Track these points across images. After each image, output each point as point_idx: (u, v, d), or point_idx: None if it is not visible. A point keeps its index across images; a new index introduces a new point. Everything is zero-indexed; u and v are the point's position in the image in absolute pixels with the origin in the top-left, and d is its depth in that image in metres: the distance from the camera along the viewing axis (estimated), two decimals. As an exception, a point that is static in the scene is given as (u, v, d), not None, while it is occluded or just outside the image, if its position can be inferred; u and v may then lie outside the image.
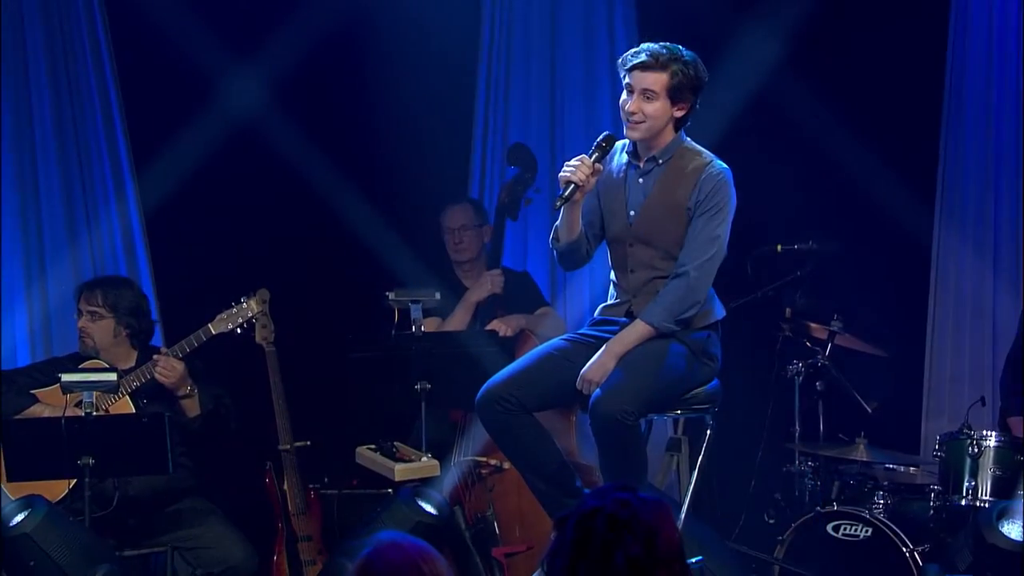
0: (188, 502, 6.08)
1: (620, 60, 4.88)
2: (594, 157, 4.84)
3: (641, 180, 4.94)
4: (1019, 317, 6.47)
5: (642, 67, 4.80)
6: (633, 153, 4.97)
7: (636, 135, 4.88)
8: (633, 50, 4.87)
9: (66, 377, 5.74)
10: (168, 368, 5.95)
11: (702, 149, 4.95)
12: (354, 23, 7.10)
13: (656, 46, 4.83)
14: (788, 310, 6.56)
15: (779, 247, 6.61)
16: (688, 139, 4.95)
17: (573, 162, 4.80)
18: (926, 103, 6.98)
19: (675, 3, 6.83)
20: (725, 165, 4.92)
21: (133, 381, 5.95)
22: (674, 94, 4.82)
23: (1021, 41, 6.83)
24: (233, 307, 6.07)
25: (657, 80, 4.80)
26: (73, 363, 6.05)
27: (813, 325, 6.47)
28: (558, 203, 4.85)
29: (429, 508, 5.70)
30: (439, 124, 7.12)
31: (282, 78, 7.02)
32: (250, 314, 6.08)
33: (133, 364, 6.07)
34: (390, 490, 6.04)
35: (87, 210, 7.06)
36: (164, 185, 7.01)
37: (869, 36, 6.97)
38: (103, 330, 6.10)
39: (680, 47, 4.85)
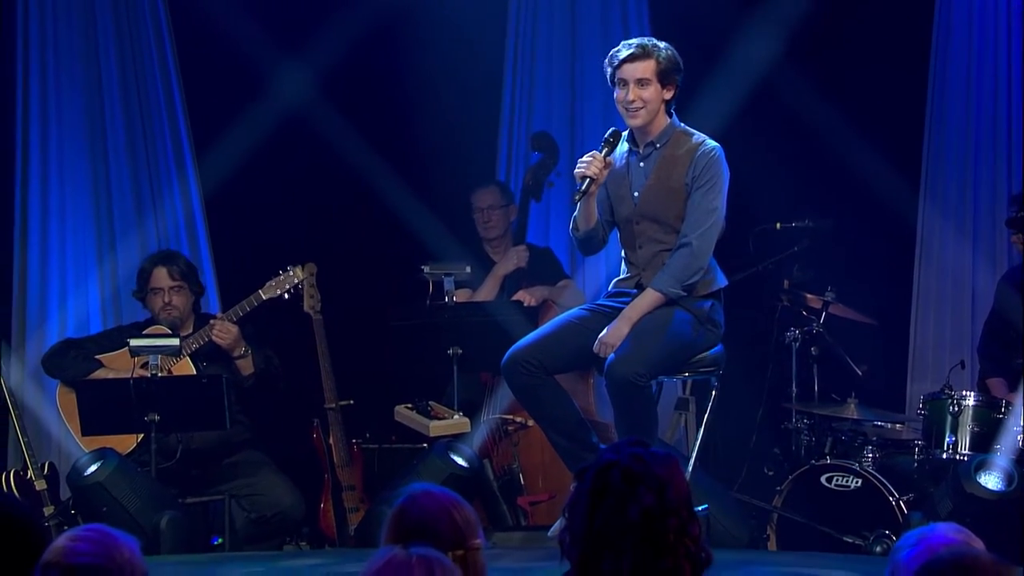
0: (244, 454, 6.08)
1: (607, 60, 4.87)
2: (604, 152, 4.83)
3: (642, 164, 4.92)
4: (995, 288, 6.43)
5: (631, 59, 4.80)
6: (632, 140, 4.95)
7: (638, 122, 4.86)
8: (615, 49, 4.87)
9: (134, 342, 5.76)
10: (224, 331, 5.94)
11: (694, 131, 4.94)
12: (393, 21, 7.07)
13: (635, 40, 4.88)
14: (786, 282, 6.52)
15: (778, 225, 6.56)
16: (681, 123, 4.94)
17: (585, 159, 4.80)
18: (912, 95, 6.93)
19: (684, 1, 6.78)
20: (716, 143, 4.90)
21: (192, 344, 5.94)
22: (663, 77, 4.81)
23: (999, 40, 6.77)
24: (280, 275, 6.06)
25: (647, 67, 4.80)
26: (136, 331, 6.04)
27: (809, 296, 6.43)
28: (576, 197, 4.84)
29: (461, 461, 5.70)
30: (470, 113, 7.08)
31: (328, 70, 6.98)
32: (296, 280, 6.05)
33: (192, 329, 6.06)
34: (425, 445, 6.04)
35: (152, 192, 7.05)
36: (222, 169, 6.99)
37: (861, 35, 6.93)
38: (185, 300, 6.10)
39: (654, 38, 4.87)
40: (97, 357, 6.01)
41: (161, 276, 6.08)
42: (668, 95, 4.86)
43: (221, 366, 5.97)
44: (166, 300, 6.06)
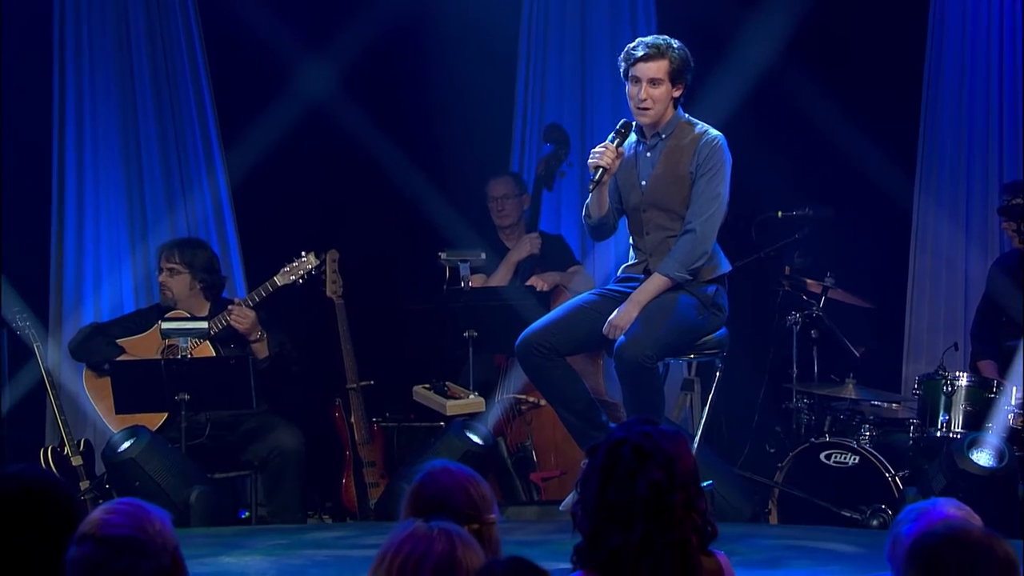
0: (259, 419, 6.00)
1: (623, 56, 4.83)
2: (616, 142, 4.79)
3: (649, 154, 4.90)
4: (987, 274, 6.40)
5: (645, 59, 4.76)
6: (639, 132, 4.93)
7: (647, 119, 4.83)
8: (631, 46, 4.83)
9: (165, 324, 5.76)
10: (242, 316, 5.91)
11: (697, 121, 4.90)
12: (411, 18, 7.05)
13: (650, 39, 4.82)
14: (787, 268, 6.50)
15: (779, 213, 6.53)
16: (685, 115, 4.91)
17: (598, 149, 4.77)
18: (908, 87, 6.90)
19: (689, 1, 6.75)
20: (719, 132, 4.87)
21: (211, 328, 5.92)
22: (674, 77, 4.77)
23: (992, 33, 6.74)
24: (295, 261, 6.02)
25: (660, 68, 4.75)
26: (155, 313, 6.03)
27: (809, 281, 6.41)
28: (592, 186, 4.81)
29: (476, 439, 5.70)
30: (485, 107, 7.06)
31: (349, 66, 6.98)
32: (310, 266, 6.01)
33: (207, 314, 6.01)
34: (442, 423, 6.04)
35: (182, 184, 7.05)
36: (248, 161, 6.99)
37: (859, 29, 6.90)
38: (180, 284, 6.07)
39: (669, 37, 4.82)
40: (119, 342, 6.00)
41: (160, 259, 6.12)
42: (677, 93, 4.83)
43: (238, 349, 5.96)
44: (159, 280, 6.09)
